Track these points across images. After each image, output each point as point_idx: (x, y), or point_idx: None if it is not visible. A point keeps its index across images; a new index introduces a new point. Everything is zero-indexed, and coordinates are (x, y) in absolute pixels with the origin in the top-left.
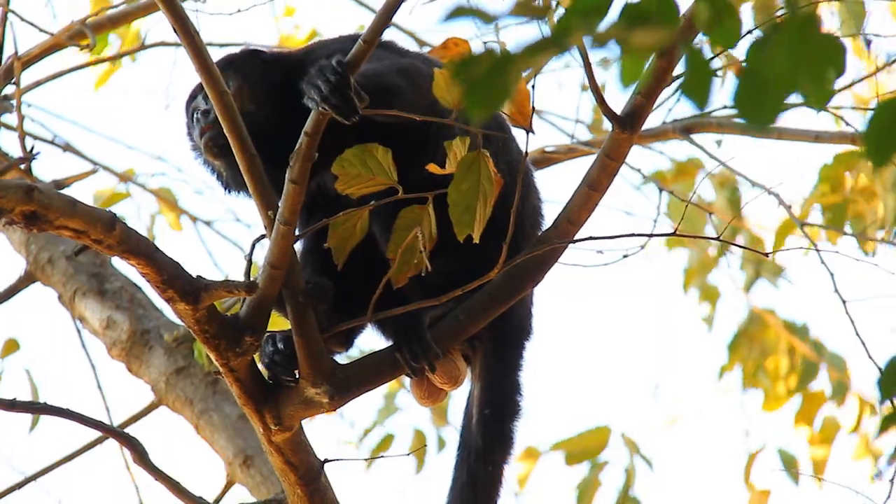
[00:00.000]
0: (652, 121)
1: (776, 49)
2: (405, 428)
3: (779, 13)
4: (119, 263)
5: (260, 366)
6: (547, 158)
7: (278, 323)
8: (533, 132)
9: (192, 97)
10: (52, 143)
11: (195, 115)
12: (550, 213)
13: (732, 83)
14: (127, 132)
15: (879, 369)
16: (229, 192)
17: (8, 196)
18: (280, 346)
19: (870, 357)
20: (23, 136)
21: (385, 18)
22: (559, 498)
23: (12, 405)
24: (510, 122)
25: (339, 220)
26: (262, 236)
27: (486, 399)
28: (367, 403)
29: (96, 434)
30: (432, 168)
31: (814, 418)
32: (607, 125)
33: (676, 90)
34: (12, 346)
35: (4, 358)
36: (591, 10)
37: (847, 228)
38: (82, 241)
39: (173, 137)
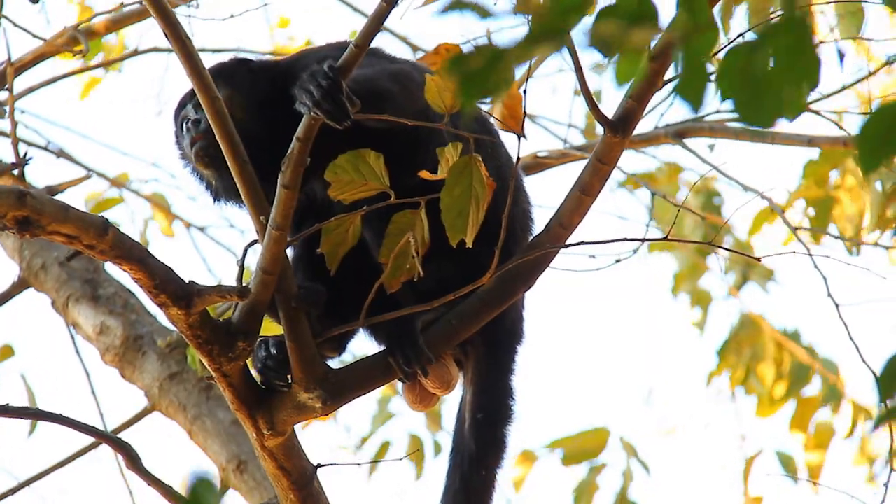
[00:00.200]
0: (645, 125)
1: (761, 54)
2: (401, 433)
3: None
4: (112, 269)
5: (252, 371)
6: (539, 163)
7: (271, 328)
8: (525, 136)
9: (182, 106)
10: (45, 149)
11: (185, 125)
12: (542, 217)
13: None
14: (120, 138)
15: (873, 372)
16: (218, 201)
17: (0, 201)
18: (273, 351)
19: (863, 361)
20: (16, 142)
21: (376, 23)
22: (555, 501)
23: (5, 411)
24: (501, 126)
25: (332, 226)
26: (255, 241)
27: (479, 403)
28: (361, 410)
29: (90, 440)
30: (424, 174)
31: (808, 424)
32: (600, 130)
33: (669, 94)
34: (7, 352)
35: None
36: (572, 8)
37: (833, 230)
38: (74, 247)
39: (166, 143)
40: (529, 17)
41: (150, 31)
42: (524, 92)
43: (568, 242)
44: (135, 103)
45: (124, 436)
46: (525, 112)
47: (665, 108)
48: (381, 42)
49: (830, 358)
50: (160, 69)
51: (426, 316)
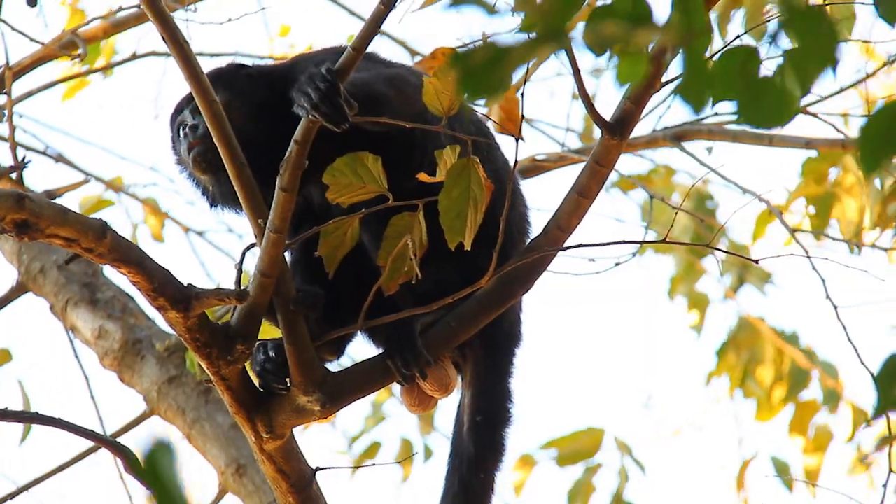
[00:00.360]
0: (642, 128)
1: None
2: (392, 436)
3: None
4: (111, 273)
5: (251, 374)
6: (537, 166)
7: (270, 331)
8: (522, 139)
9: (178, 111)
10: (44, 153)
11: (182, 130)
12: (540, 221)
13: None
14: (118, 142)
15: (871, 374)
16: (215, 207)
17: None
18: (271, 354)
19: (861, 362)
20: (14, 146)
21: (373, 26)
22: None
23: (3, 415)
24: (499, 129)
25: (330, 229)
26: (253, 245)
27: (478, 406)
28: (356, 411)
29: (89, 444)
30: (423, 177)
31: (807, 428)
32: (597, 133)
33: (668, 96)
34: (4, 356)
35: None
36: (563, 8)
37: (834, 228)
38: (73, 250)
39: (164, 147)
40: (524, 16)
41: (148, 36)
42: (521, 95)
43: (566, 245)
44: (133, 107)
45: (123, 440)
46: (523, 115)
47: (663, 112)
48: (379, 47)
49: (829, 360)
50: (158, 73)
51: (425, 318)
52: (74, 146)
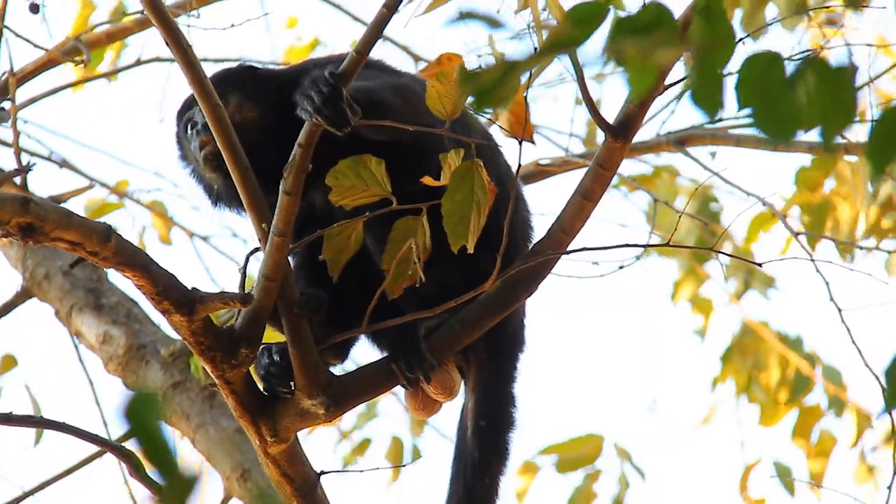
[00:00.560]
0: (646, 133)
1: (800, 87)
2: (383, 433)
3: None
4: (116, 278)
5: (256, 377)
6: (542, 171)
7: (274, 335)
8: (532, 142)
9: (186, 107)
10: (48, 159)
11: (192, 128)
12: (544, 224)
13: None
14: (123, 147)
15: (876, 377)
16: (218, 206)
17: (4, 208)
18: (276, 357)
19: (866, 365)
20: (18, 151)
21: (376, 31)
22: None
23: (8, 419)
24: (505, 133)
25: (334, 232)
26: (257, 249)
27: (482, 410)
28: (353, 412)
29: (94, 448)
30: (426, 180)
31: (810, 433)
32: (601, 138)
33: (672, 101)
34: (10, 362)
35: (3, 374)
36: (586, 21)
37: (828, 235)
38: (77, 253)
39: (168, 153)
40: (534, 27)
41: (152, 41)
42: (526, 98)
43: (569, 248)
44: (137, 112)
45: (128, 445)
46: (527, 119)
47: (667, 116)
48: (384, 53)
49: (833, 364)
50: (162, 78)
51: (429, 322)
52: (79, 151)
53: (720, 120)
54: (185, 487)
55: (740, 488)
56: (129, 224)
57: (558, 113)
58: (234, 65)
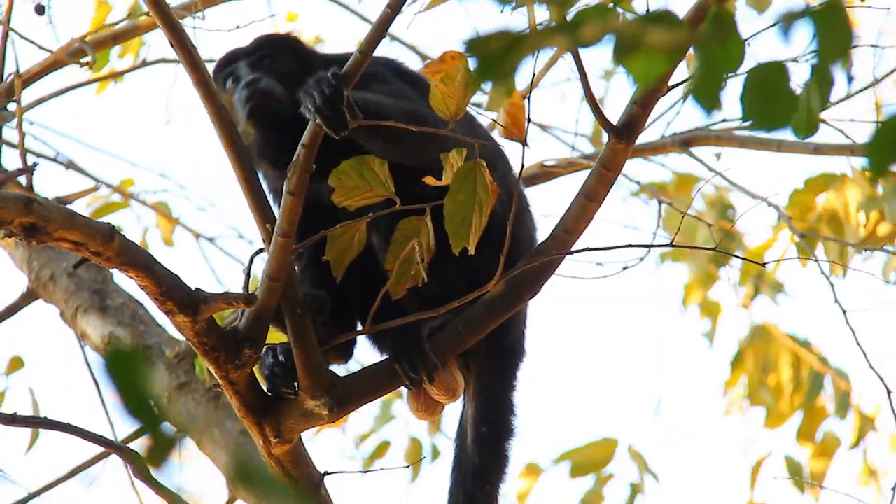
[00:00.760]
0: (651, 134)
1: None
2: (401, 436)
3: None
4: (121, 279)
5: (260, 378)
6: (547, 172)
7: (278, 336)
8: (527, 145)
9: (231, 61)
10: (54, 160)
11: (234, 81)
12: (548, 225)
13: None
14: (129, 149)
15: (881, 378)
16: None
17: (7, 207)
18: (280, 358)
19: (871, 367)
20: (24, 153)
21: (380, 30)
22: None
23: (13, 420)
24: (504, 134)
25: (337, 233)
26: (261, 250)
27: (483, 416)
28: (365, 411)
29: (99, 450)
30: (429, 181)
31: (815, 434)
32: (607, 137)
33: (677, 102)
34: (17, 363)
35: (9, 375)
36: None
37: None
38: (81, 254)
39: (175, 154)
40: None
41: (158, 42)
42: (528, 100)
43: (573, 249)
44: (143, 114)
45: (133, 446)
46: (529, 119)
47: (672, 117)
48: (387, 51)
49: (840, 366)
50: (168, 80)
51: (432, 322)
52: (85, 153)
53: (724, 120)
54: (166, 444)
55: (751, 483)
56: (134, 225)
57: (565, 112)
58: (283, 32)
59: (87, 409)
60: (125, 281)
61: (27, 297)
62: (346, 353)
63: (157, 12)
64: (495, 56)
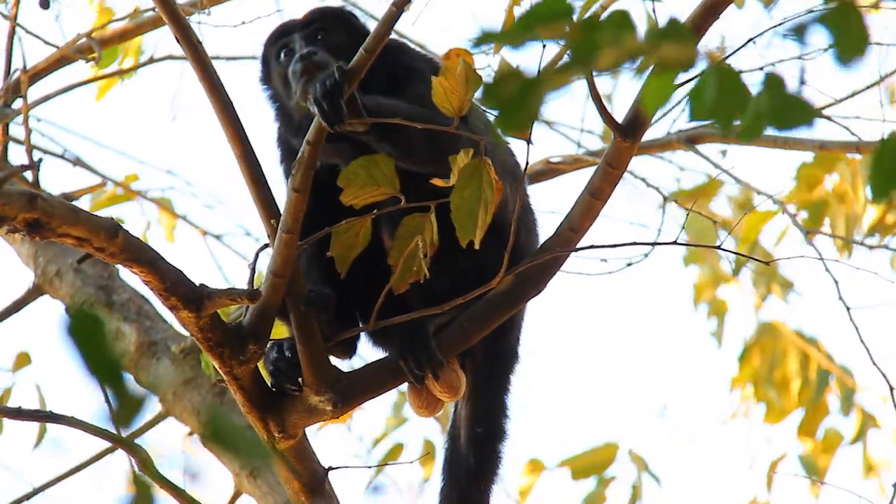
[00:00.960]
0: (657, 131)
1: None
2: (414, 437)
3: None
4: (126, 275)
5: (264, 374)
6: (552, 169)
7: (283, 332)
8: (531, 143)
9: (283, 33)
10: (61, 157)
11: (288, 55)
12: (554, 223)
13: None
14: (136, 145)
15: (884, 375)
16: (290, 132)
17: (11, 203)
18: (285, 354)
19: (874, 364)
20: (30, 149)
21: (386, 28)
22: None
23: (18, 413)
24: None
25: (342, 229)
26: (266, 245)
27: (478, 417)
28: (375, 414)
29: (105, 445)
30: (436, 181)
31: (816, 430)
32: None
33: (682, 99)
34: (24, 359)
35: (15, 372)
36: (618, 28)
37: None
38: (85, 249)
39: (182, 151)
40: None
41: (164, 39)
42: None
43: (578, 247)
44: (150, 110)
45: (139, 441)
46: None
47: (677, 114)
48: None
49: (844, 363)
50: (175, 77)
51: (438, 319)
52: (92, 149)
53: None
54: (133, 406)
55: (767, 485)
56: (139, 220)
57: (573, 108)
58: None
59: (93, 405)
60: (131, 276)
61: (33, 293)
62: (349, 350)
63: (164, 8)
64: (514, 106)
